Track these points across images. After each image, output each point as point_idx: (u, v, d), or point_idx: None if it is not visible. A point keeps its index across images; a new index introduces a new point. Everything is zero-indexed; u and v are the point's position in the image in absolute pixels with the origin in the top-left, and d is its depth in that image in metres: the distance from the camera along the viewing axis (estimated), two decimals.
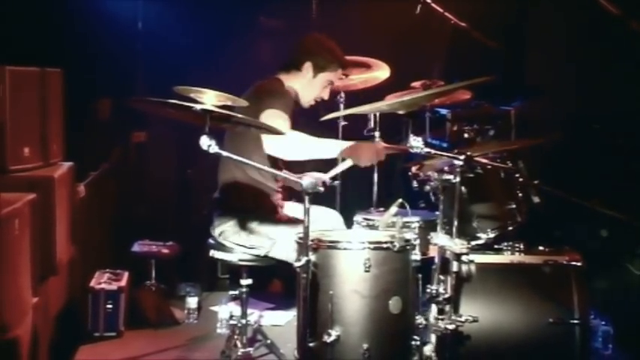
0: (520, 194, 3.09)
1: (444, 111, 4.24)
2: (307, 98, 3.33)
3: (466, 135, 4.02)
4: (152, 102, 2.53)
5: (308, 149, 3.01)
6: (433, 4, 3.95)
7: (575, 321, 2.82)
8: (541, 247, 3.08)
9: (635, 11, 3.05)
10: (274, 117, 2.98)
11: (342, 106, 3.90)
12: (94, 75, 4.44)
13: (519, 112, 4.40)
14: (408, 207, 2.88)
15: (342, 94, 3.95)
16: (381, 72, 3.98)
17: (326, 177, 3.06)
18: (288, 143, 2.96)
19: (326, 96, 3.36)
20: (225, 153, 2.52)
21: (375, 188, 3.77)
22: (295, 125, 3.11)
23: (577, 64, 5.09)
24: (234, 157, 2.64)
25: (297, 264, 2.47)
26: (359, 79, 3.98)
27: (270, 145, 3.03)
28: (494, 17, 4.87)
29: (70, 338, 3.52)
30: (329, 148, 3.00)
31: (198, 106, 2.43)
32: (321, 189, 2.52)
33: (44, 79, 3.42)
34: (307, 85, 3.29)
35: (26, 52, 3.57)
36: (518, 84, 5.13)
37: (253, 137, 3.09)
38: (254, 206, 3.20)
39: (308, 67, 3.26)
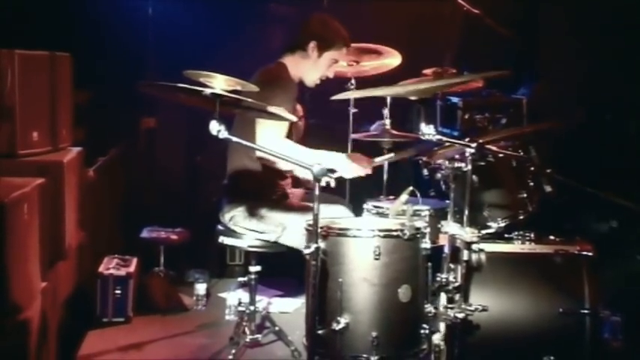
0: (531, 183, 3.06)
1: (455, 99, 4.20)
2: (313, 77, 3.30)
3: (478, 123, 3.98)
4: (161, 86, 2.52)
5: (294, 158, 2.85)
6: None
7: (586, 311, 2.80)
8: (552, 237, 3.05)
9: None
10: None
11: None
12: (104, 60, 4.43)
13: (531, 101, 4.36)
14: (418, 195, 2.86)
15: (353, 81, 3.93)
16: (392, 59, 3.95)
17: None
18: (278, 149, 2.82)
19: (331, 75, 3.34)
20: (234, 138, 2.50)
21: (385, 176, 3.74)
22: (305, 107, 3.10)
23: (589, 53, 5.03)
24: (244, 142, 2.62)
25: (306, 251, 2.46)
26: (370, 65, 3.95)
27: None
28: (507, 5, 4.82)
29: (78, 323, 3.53)
30: (315, 159, 2.85)
31: (207, 90, 2.41)
32: (332, 179, 2.50)
33: (53, 64, 3.41)
34: (313, 65, 3.26)
35: (36, 37, 3.55)
36: (530, 73, 5.08)
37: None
38: (264, 192, 3.20)
39: (313, 46, 3.24)
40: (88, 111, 4.22)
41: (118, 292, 3.67)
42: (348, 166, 3.08)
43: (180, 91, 2.47)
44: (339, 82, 3.98)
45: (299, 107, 3.69)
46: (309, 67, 3.27)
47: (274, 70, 3.24)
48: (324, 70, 3.29)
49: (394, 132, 3.55)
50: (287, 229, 3.08)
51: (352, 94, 3.48)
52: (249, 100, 2.58)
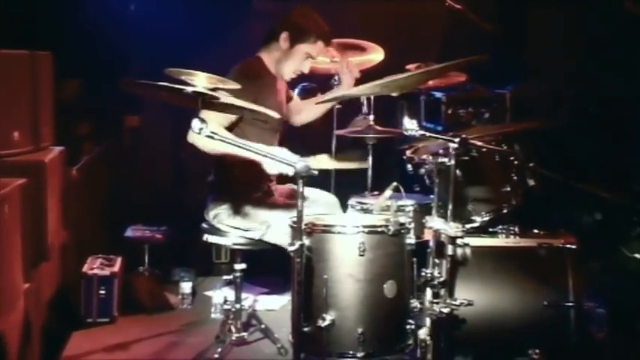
0: (515, 177, 3.07)
1: (438, 94, 4.21)
2: (286, 70, 3.23)
3: (461, 118, 3.99)
4: (143, 84, 2.50)
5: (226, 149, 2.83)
6: None
7: (570, 304, 2.82)
8: (536, 230, 3.07)
9: None
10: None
11: (336, 88, 3.86)
12: (87, 59, 4.39)
13: (515, 95, 4.37)
14: (402, 190, 2.86)
15: (337, 77, 3.91)
16: (375, 54, 3.95)
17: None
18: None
19: (306, 70, 3.25)
20: (217, 136, 2.49)
21: (370, 172, 3.74)
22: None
23: (574, 48, 5.06)
24: (227, 140, 2.61)
25: (290, 248, 2.45)
26: (354, 61, 3.93)
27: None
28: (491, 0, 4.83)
29: (62, 324, 3.50)
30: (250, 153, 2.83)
31: (189, 89, 2.39)
32: (315, 173, 2.48)
33: (34, 63, 3.37)
34: (284, 56, 3.20)
35: (15, 35, 3.52)
36: (515, 67, 5.10)
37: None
38: (248, 189, 3.18)
39: (285, 37, 3.18)
40: (72, 109, 4.19)
41: (103, 292, 3.64)
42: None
43: (162, 89, 2.45)
44: (324, 79, 3.99)
45: (296, 99, 3.65)
46: (281, 58, 3.21)
47: (247, 65, 3.19)
48: (297, 63, 3.21)
49: (378, 128, 3.54)
50: (271, 226, 3.07)
51: (327, 98, 3.39)
52: (231, 98, 2.56)
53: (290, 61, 3.20)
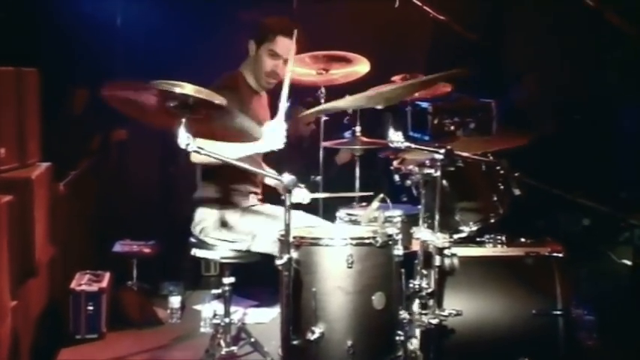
0: (502, 186, 3.08)
1: (424, 104, 4.23)
2: (259, 77, 3.22)
3: (447, 128, 4.02)
4: (127, 85, 2.46)
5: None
6: None
7: (559, 312, 2.82)
8: (523, 239, 3.08)
9: (610, 2, 3.06)
10: None
11: (322, 101, 3.88)
12: (73, 71, 4.39)
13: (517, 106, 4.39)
14: (389, 201, 2.86)
15: (323, 89, 3.93)
16: (361, 66, 3.96)
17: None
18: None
19: (278, 69, 3.19)
20: (203, 150, 2.48)
21: (358, 183, 3.75)
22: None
23: (556, 56, 5.11)
24: (213, 154, 2.61)
25: (278, 262, 2.44)
26: (339, 73, 3.96)
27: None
28: (474, 10, 4.87)
29: (51, 341, 3.48)
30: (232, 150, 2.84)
31: (177, 90, 2.37)
32: (302, 186, 2.48)
33: (20, 79, 3.37)
34: (255, 63, 3.21)
35: (2, 51, 3.51)
36: (498, 76, 5.14)
37: None
38: (233, 202, 3.18)
39: (252, 44, 3.22)
40: (58, 124, 4.19)
41: (91, 307, 3.62)
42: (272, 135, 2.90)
43: (148, 92, 2.41)
44: (310, 91, 4.01)
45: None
46: (254, 68, 3.22)
47: (226, 77, 3.21)
48: (265, 65, 3.18)
49: (364, 139, 3.56)
50: (257, 236, 3.06)
51: (311, 111, 3.36)
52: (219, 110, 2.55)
53: (260, 64, 3.20)
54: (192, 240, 3.21)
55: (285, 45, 3.17)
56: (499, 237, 3.06)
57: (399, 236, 2.66)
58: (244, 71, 3.25)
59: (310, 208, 3.35)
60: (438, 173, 2.67)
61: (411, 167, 2.91)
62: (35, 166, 3.47)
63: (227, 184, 3.17)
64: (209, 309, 3.69)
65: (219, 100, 2.44)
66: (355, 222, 3.07)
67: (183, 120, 2.41)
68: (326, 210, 3.52)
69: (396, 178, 3.08)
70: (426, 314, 2.65)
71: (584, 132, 4.98)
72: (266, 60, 3.19)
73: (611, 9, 2.97)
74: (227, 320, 3.19)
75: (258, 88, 3.27)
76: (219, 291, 3.23)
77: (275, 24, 3.20)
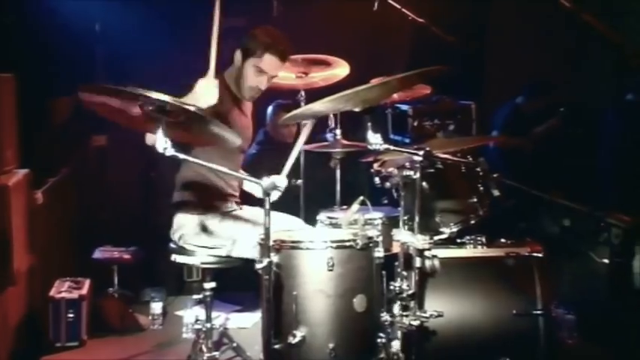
0: (481, 188, 3.10)
1: (405, 107, 4.25)
2: (242, 87, 3.16)
3: (427, 130, 4.04)
4: (104, 89, 2.45)
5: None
6: (390, 1, 3.94)
7: (539, 312, 2.84)
8: (503, 240, 3.10)
9: (587, 4, 3.08)
10: None
11: (302, 104, 3.88)
12: (51, 78, 4.35)
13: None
14: (369, 204, 2.86)
15: (303, 93, 3.93)
16: (340, 69, 3.97)
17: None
18: None
19: (262, 86, 3.16)
20: (181, 155, 2.47)
21: (339, 186, 3.75)
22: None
23: (537, 58, 5.14)
24: (191, 159, 2.59)
25: (258, 266, 2.44)
26: (319, 76, 3.96)
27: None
28: (454, 12, 4.89)
29: (31, 349, 3.45)
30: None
31: (154, 95, 2.35)
32: (281, 188, 2.46)
33: None
34: (239, 73, 3.14)
35: None
36: (478, 78, 5.17)
37: None
38: (211, 207, 3.16)
39: (238, 54, 3.14)
40: (36, 130, 4.15)
41: (71, 315, 3.59)
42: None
43: (125, 96, 2.40)
44: (290, 94, 4.00)
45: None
46: (237, 77, 3.16)
47: None
48: (250, 79, 3.12)
49: (345, 142, 3.56)
50: (237, 241, 3.04)
51: (291, 115, 3.34)
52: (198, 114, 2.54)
53: (244, 77, 3.14)
54: (173, 246, 3.19)
55: (273, 64, 3.10)
56: (479, 238, 3.08)
57: (380, 238, 2.66)
58: (227, 77, 3.19)
59: (292, 211, 3.35)
60: (418, 175, 2.68)
61: (390, 169, 2.91)
62: (12, 173, 3.43)
63: (204, 188, 3.15)
64: (191, 314, 3.68)
65: (192, 107, 2.43)
66: (336, 225, 3.07)
67: (161, 124, 2.40)
68: (307, 212, 3.51)
69: (376, 180, 3.08)
70: (407, 316, 2.65)
71: (565, 133, 5.03)
72: (250, 74, 3.11)
73: (582, 10, 3.00)
74: (209, 325, 3.17)
75: (239, 96, 3.24)
76: (201, 296, 3.21)
77: (265, 39, 3.10)
